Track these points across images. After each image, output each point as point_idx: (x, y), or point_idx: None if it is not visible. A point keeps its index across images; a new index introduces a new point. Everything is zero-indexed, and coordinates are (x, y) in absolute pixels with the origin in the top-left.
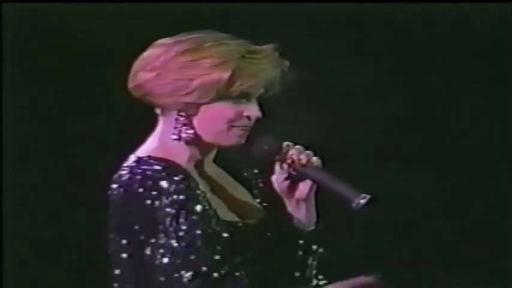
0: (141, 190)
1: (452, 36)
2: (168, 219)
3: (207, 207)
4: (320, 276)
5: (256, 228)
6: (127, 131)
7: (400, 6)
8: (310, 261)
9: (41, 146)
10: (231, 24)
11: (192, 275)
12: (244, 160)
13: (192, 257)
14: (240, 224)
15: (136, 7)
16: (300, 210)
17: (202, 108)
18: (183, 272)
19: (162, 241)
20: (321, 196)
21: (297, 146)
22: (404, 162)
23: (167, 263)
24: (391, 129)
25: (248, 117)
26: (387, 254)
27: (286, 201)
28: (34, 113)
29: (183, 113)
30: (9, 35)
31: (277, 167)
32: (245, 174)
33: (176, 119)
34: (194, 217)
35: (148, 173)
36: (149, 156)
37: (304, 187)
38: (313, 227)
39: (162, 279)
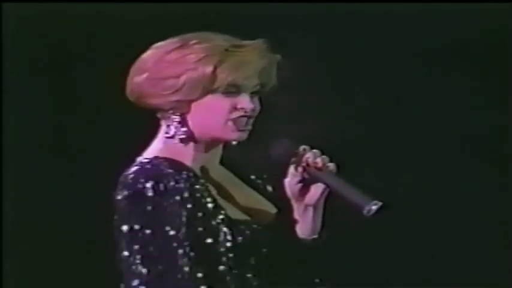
0: (146, 190)
1: (452, 37)
2: (175, 218)
3: (214, 205)
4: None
5: (265, 227)
6: (128, 131)
7: (401, 6)
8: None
9: (41, 146)
10: (231, 25)
11: (200, 273)
12: (251, 164)
13: (198, 254)
14: (249, 223)
15: (136, 7)
16: (307, 216)
17: (194, 106)
18: (189, 268)
19: (168, 239)
20: (328, 206)
21: (313, 150)
22: (407, 165)
23: (174, 260)
24: (401, 136)
25: (243, 109)
26: (387, 254)
27: (295, 206)
28: (34, 113)
29: (177, 113)
30: (9, 35)
31: (291, 169)
32: (252, 177)
33: (170, 118)
34: (200, 215)
35: (155, 172)
36: (155, 157)
37: (315, 191)
38: (315, 236)
39: (170, 276)
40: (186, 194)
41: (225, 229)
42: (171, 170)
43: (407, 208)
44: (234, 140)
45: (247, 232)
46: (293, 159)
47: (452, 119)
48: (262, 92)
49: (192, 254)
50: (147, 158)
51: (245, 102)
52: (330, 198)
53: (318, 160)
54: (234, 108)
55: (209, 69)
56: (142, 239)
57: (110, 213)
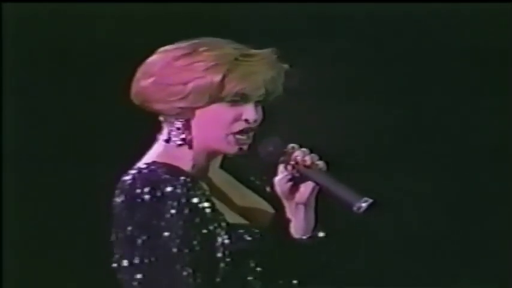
0: (143, 195)
1: (452, 37)
2: (172, 224)
3: (212, 211)
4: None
5: (264, 231)
6: (129, 132)
7: (401, 7)
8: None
9: (41, 147)
10: (232, 25)
11: (196, 277)
12: (250, 166)
13: (196, 260)
14: (248, 227)
15: (137, 7)
16: (299, 214)
17: (199, 113)
18: (187, 274)
19: (165, 245)
20: (321, 205)
21: (302, 149)
22: (406, 165)
23: (171, 266)
24: (393, 132)
25: (246, 121)
26: (387, 254)
27: (286, 205)
28: (34, 113)
29: (181, 119)
30: (9, 35)
31: (280, 168)
32: (251, 178)
33: (171, 123)
34: (198, 220)
35: (152, 178)
36: (154, 162)
37: (305, 190)
38: (309, 235)
39: (167, 281)
40: (183, 200)
41: (223, 234)
42: (168, 176)
43: (407, 208)
44: (232, 154)
45: (246, 236)
46: (282, 158)
47: (452, 119)
48: (266, 101)
49: (189, 259)
50: (145, 163)
51: (250, 112)
52: (325, 197)
53: (307, 158)
54: (237, 119)
55: (217, 78)
56: (138, 244)
57: (110, 216)
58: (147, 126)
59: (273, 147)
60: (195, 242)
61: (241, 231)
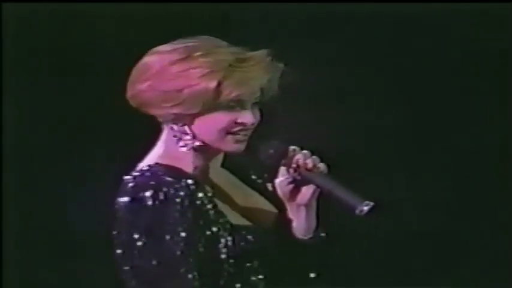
0: (146, 199)
1: (452, 37)
2: (175, 227)
3: (215, 212)
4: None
5: (266, 231)
6: (129, 132)
7: (401, 7)
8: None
9: (41, 147)
10: (232, 25)
11: (201, 280)
12: (253, 165)
13: (200, 262)
14: (250, 228)
15: (137, 7)
16: (300, 215)
17: (195, 118)
18: (192, 277)
19: (169, 248)
20: (322, 205)
21: (303, 151)
22: (407, 167)
23: (176, 269)
24: (394, 134)
25: (243, 124)
26: (387, 253)
27: (287, 206)
28: (34, 113)
29: (177, 123)
30: (9, 35)
31: (282, 170)
32: (253, 177)
33: (172, 128)
34: (201, 222)
35: (154, 181)
36: (156, 164)
37: (306, 192)
38: (310, 235)
39: (172, 285)
40: (186, 202)
41: (226, 235)
42: (170, 178)
43: (407, 210)
44: (233, 152)
45: (249, 237)
46: (283, 161)
47: (452, 120)
48: (262, 101)
49: (193, 262)
50: (147, 165)
51: (247, 117)
52: (326, 198)
53: (309, 161)
54: (234, 123)
55: (212, 84)
56: (142, 247)
57: (111, 216)
58: (147, 126)
59: (274, 150)
60: (199, 245)
61: (244, 232)
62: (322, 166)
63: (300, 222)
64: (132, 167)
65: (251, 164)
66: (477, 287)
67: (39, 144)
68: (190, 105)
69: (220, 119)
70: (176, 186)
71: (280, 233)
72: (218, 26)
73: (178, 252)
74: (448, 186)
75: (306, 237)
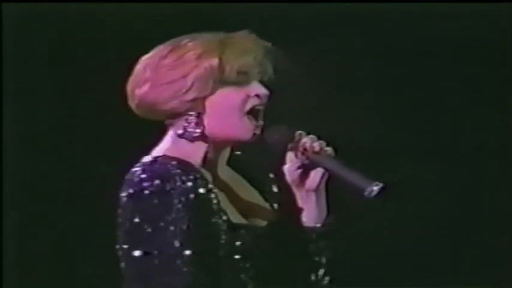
0: (152, 188)
1: (452, 36)
2: (178, 220)
3: (218, 209)
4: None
5: (265, 231)
6: (130, 131)
7: (402, 7)
8: (317, 265)
9: (41, 146)
10: (232, 25)
11: (196, 274)
12: (259, 164)
13: (198, 257)
14: (249, 228)
15: (137, 7)
16: (310, 201)
17: (209, 102)
18: (187, 270)
19: (169, 239)
20: (331, 194)
21: (310, 135)
22: (412, 152)
23: (173, 261)
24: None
25: (258, 96)
26: (387, 253)
27: (297, 193)
28: (34, 113)
29: (193, 113)
30: (9, 35)
31: (289, 155)
32: (258, 176)
33: (186, 119)
34: (204, 217)
35: (162, 172)
36: (164, 156)
37: (315, 176)
38: (322, 223)
39: (167, 275)
40: (191, 196)
41: (225, 232)
42: (178, 170)
43: (407, 208)
44: (248, 141)
45: (247, 236)
46: (290, 145)
47: (451, 119)
48: (262, 82)
49: (190, 256)
50: (155, 157)
51: (258, 88)
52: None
53: (316, 144)
54: (249, 97)
55: (214, 61)
56: (143, 236)
57: (114, 213)
58: (148, 126)
59: (280, 135)
60: (198, 239)
61: (243, 231)
62: (329, 149)
63: (311, 210)
64: (134, 164)
65: (257, 163)
66: (477, 287)
67: (39, 144)
68: (201, 86)
69: (233, 97)
70: (183, 178)
71: (279, 233)
72: (218, 27)
73: (177, 244)
74: (447, 184)
75: (317, 225)
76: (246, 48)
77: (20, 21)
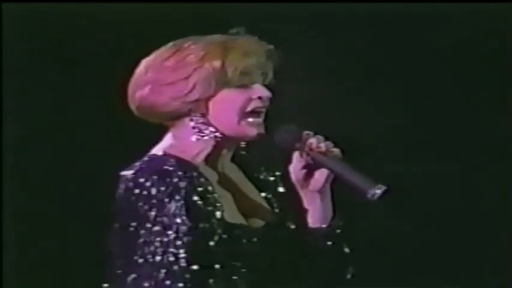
0: (148, 186)
1: (452, 36)
2: (172, 217)
3: (214, 208)
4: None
5: (260, 232)
6: (130, 131)
7: (402, 7)
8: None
9: (41, 146)
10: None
11: (189, 273)
12: (264, 163)
13: (192, 255)
14: (245, 228)
15: (137, 7)
16: (315, 203)
17: (211, 104)
18: (175, 267)
19: (162, 237)
20: (337, 194)
21: (317, 136)
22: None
23: (164, 258)
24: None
25: (260, 98)
26: (386, 253)
27: (302, 194)
28: (34, 113)
29: (196, 113)
30: (9, 35)
31: (295, 155)
32: (261, 177)
33: (192, 120)
34: (198, 216)
35: (159, 169)
36: (164, 153)
37: (320, 177)
38: (327, 224)
39: (157, 273)
40: (187, 194)
41: (220, 232)
42: (175, 168)
43: (406, 208)
44: (253, 137)
45: (242, 237)
46: (297, 145)
47: (451, 119)
48: (264, 83)
49: (184, 252)
50: (154, 154)
51: (261, 90)
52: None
53: (322, 145)
54: (251, 99)
55: (217, 63)
56: (137, 232)
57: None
58: (149, 126)
59: (289, 135)
60: (191, 238)
61: (238, 231)
62: (336, 150)
63: (316, 211)
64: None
65: (262, 163)
66: (477, 287)
67: (39, 144)
68: (203, 87)
69: (235, 98)
70: (180, 176)
71: (274, 235)
72: (218, 27)
73: (171, 243)
74: (446, 183)
75: (323, 226)
76: (249, 51)
77: (20, 21)
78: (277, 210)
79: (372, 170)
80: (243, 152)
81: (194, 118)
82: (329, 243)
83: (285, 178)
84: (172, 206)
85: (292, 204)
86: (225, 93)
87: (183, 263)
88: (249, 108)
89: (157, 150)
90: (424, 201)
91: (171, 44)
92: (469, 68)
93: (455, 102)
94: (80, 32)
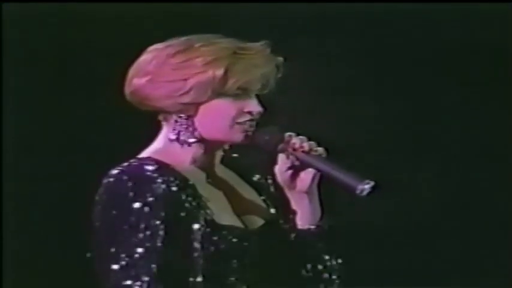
0: (126, 190)
1: (452, 37)
2: (151, 222)
3: (198, 211)
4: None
5: (248, 233)
6: (129, 131)
7: (402, 6)
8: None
9: (41, 147)
10: (232, 24)
11: (175, 276)
12: (255, 165)
13: (175, 259)
14: (233, 229)
15: (137, 7)
16: (303, 204)
17: (202, 108)
18: (159, 272)
19: (145, 242)
20: (324, 195)
21: (299, 136)
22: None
23: (150, 263)
24: (392, 125)
25: (250, 113)
26: (386, 253)
27: (289, 195)
28: (34, 113)
29: (183, 115)
30: (9, 35)
31: (281, 156)
32: (254, 178)
33: (176, 121)
34: (180, 219)
35: (137, 173)
36: (147, 158)
37: (306, 177)
38: (316, 224)
39: (146, 278)
40: (166, 198)
41: (206, 235)
42: (154, 173)
43: (407, 209)
44: (240, 143)
45: (230, 238)
46: (280, 146)
47: (451, 119)
48: (260, 93)
49: (168, 258)
50: (137, 158)
51: (253, 105)
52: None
53: (305, 144)
54: (242, 112)
55: (220, 72)
56: (118, 238)
57: None
58: (148, 126)
59: (270, 135)
60: (174, 241)
61: (225, 232)
62: (320, 149)
63: (304, 211)
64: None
65: (250, 161)
66: (477, 287)
67: (39, 143)
68: (198, 93)
69: (227, 107)
70: (158, 181)
71: (266, 236)
72: (216, 25)
73: (153, 247)
74: (446, 183)
75: (311, 227)
76: (257, 64)
77: (20, 21)
78: (272, 211)
79: (372, 170)
80: (235, 155)
81: (179, 120)
82: (320, 244)
83: (273, 179)
84: (151, 212)
85: (284, 205)
86: (218, 102)
87: (162, 267)
88: (238, 120)
89: (146, 153)
90: (424, 201)
91: (184, 38)
92: (469, 68)
93: (455, 102)
94: (80, 32)
